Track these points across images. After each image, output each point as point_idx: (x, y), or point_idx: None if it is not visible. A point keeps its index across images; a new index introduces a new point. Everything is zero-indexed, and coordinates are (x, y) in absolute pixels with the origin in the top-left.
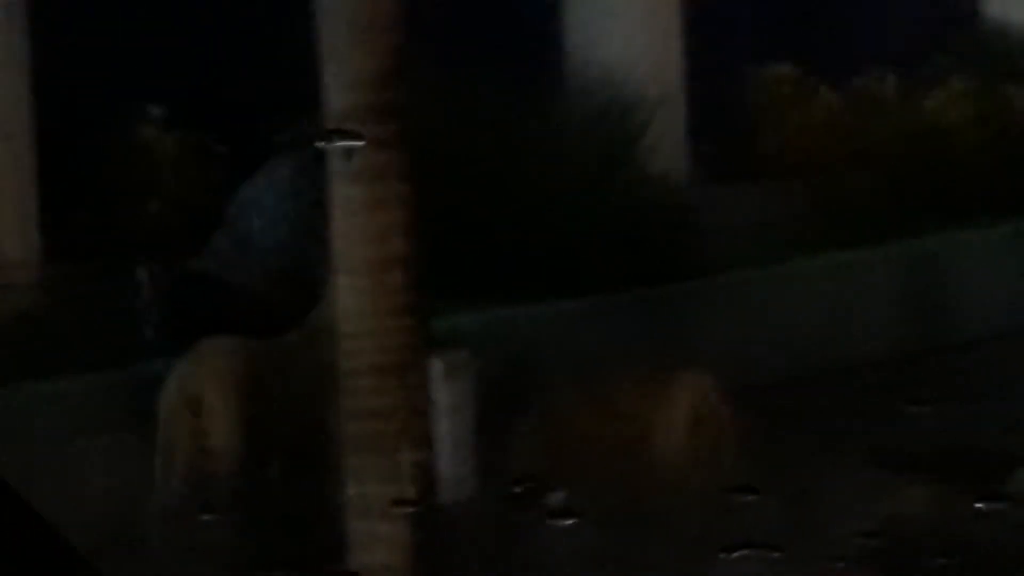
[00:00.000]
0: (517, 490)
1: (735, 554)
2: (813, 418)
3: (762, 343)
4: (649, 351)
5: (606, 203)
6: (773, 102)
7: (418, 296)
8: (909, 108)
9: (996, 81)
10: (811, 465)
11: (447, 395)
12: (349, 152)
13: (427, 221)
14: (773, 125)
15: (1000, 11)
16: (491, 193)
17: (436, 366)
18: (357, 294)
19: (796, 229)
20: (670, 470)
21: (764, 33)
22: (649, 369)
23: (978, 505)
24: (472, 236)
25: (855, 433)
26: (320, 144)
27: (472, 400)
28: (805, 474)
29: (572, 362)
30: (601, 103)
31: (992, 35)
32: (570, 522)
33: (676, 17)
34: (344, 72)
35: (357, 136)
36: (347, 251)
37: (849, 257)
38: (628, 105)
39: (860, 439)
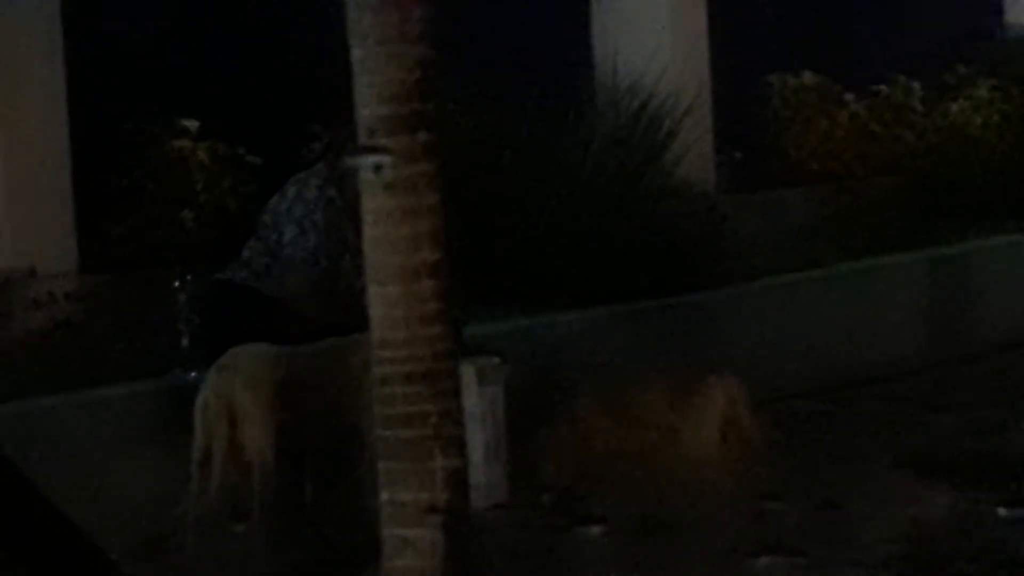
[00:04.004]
0: (546, 498)
1: (762, 559)
2: (840, 424)
3: (789, 350)
4: (676, 359)
5: (634, 212)
6: (799, 111)
7: (449, 304)
8: (933, 116)
9: (1019, 89)
10: (838, 471)
11: (479, 401)
12: (379, 165)
13: (457, 231)
14: (799, 133)
15: (1022, 19)
16: (520, 203)
17: (468, 373)
18: (388, 303)
19: (822, 236)
20: (700, 475)
21: (790, 42)
22: (680, 376)
23: (1002, 511)
24: (501, 245)
25: (882, 439)
26: (349, 160)
27: (503, 406)
28: (832, 480)
29: (600, 370)
30: (628, 113)
31: (1015, 43)
32: (599, 529)
33: (702, 27)
34: (374, 84)
35: (385, 151)
36: (378, 260)
37: (875, 264)
38: (655, 115)
39: (887, 445)
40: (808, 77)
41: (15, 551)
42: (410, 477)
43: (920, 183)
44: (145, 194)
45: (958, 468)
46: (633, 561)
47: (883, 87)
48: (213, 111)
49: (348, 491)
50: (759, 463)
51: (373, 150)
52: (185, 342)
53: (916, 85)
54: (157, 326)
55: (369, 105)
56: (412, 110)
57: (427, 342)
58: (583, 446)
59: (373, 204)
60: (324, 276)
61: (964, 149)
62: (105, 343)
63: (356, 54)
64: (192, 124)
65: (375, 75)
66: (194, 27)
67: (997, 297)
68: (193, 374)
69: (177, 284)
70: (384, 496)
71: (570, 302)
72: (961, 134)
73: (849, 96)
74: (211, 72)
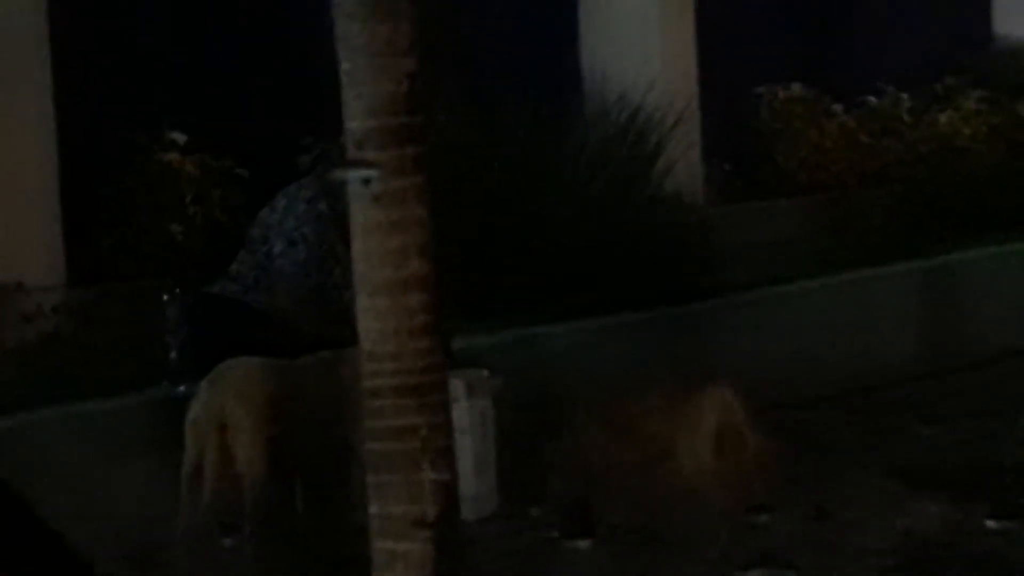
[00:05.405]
0: (537, 510)
1: (753, 572)
2: (831, 436)
3: (779, 362)
4: (666, 371)
5: (623, 223)
6: (788, 122)
7: (438, 316)
8: (922, 127)
9: (1008, 99)
10: (829, 482)
11: (468, 414)
12: (367, 178)
13: (446, 243)
14: (788, 145)
15: (1011, 30)
16: (509, 214)
17: (457, 386)
18: (377, 315)
19: (812, 247)
20: (694, 487)
21: (778, 54)
22: (672, 387)
23: (991, 523)
24: (491, 257)
25: (873, 450)
26: (338, 173)
27: (493, 419)
28: (823, 491)
29: (590, 382)
30: (617, 125)
31: (1004, 54)
32: (590, 541)
33: (691, 39)
34: (363, 96)
35: (373, 164)
36: (367, 273)
37: (864, 275)
38: (644, 126)
39: (878, 456)
40: (797, 88)
41: (2, 564)
42: (399, 490)
43: (909, 194)
44: (134, 207)
45: (949, 479)
46: (623, 573)
47: (872, 98)
48: (202, 123)
49: (339, 504)
50: (752, 474)
51: (361, 163)
52: (174, 355)
53: (905, 96)
54: (146, 339)
55: (357, 117)
56: (400, 123)
57: (416, 355)
58: (574, 458)
59: (362, 217)
60: (313, 289)
61: (953, 160)
62: (94, 356)
63: (345, 66)
64: (180, 137)
65: (363, 87)
66: (183, 39)
67: (987, 308)
68: (183, 387)
69: (166, 297)
70: (373, 509)
71: (559, 314)
72: (950, 145)
73: (838, 107)
74: (200, 84)
